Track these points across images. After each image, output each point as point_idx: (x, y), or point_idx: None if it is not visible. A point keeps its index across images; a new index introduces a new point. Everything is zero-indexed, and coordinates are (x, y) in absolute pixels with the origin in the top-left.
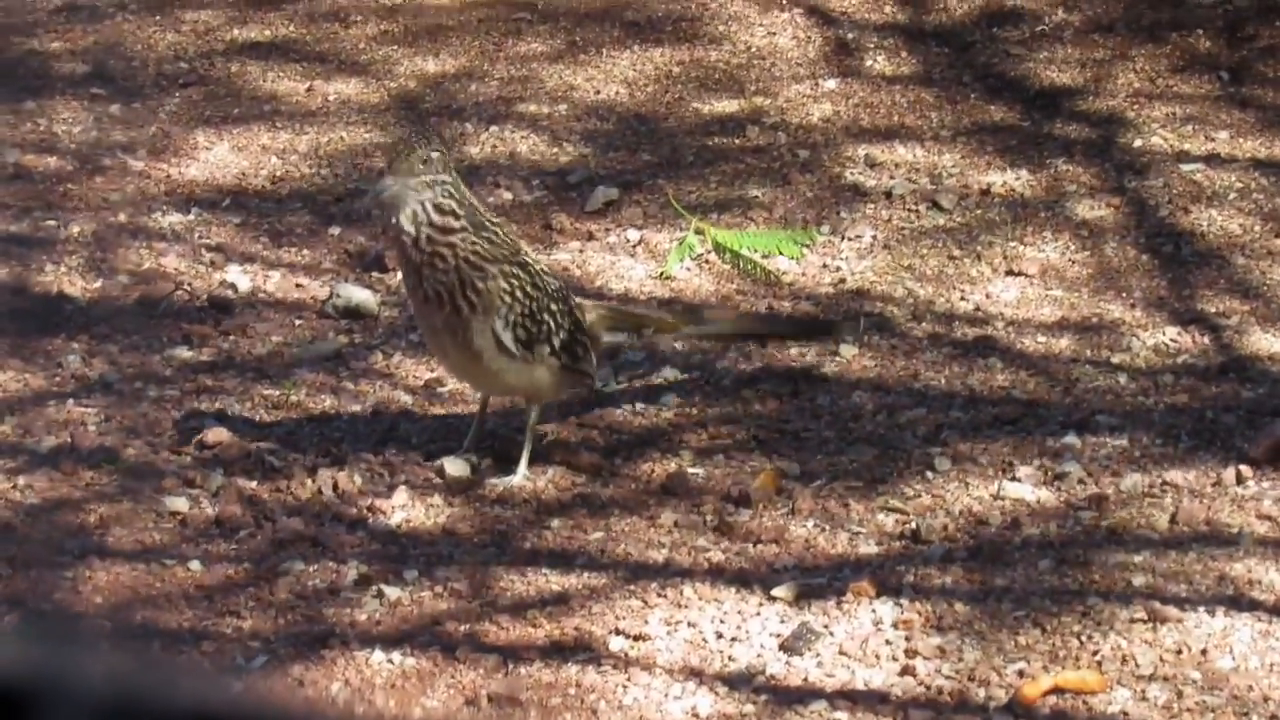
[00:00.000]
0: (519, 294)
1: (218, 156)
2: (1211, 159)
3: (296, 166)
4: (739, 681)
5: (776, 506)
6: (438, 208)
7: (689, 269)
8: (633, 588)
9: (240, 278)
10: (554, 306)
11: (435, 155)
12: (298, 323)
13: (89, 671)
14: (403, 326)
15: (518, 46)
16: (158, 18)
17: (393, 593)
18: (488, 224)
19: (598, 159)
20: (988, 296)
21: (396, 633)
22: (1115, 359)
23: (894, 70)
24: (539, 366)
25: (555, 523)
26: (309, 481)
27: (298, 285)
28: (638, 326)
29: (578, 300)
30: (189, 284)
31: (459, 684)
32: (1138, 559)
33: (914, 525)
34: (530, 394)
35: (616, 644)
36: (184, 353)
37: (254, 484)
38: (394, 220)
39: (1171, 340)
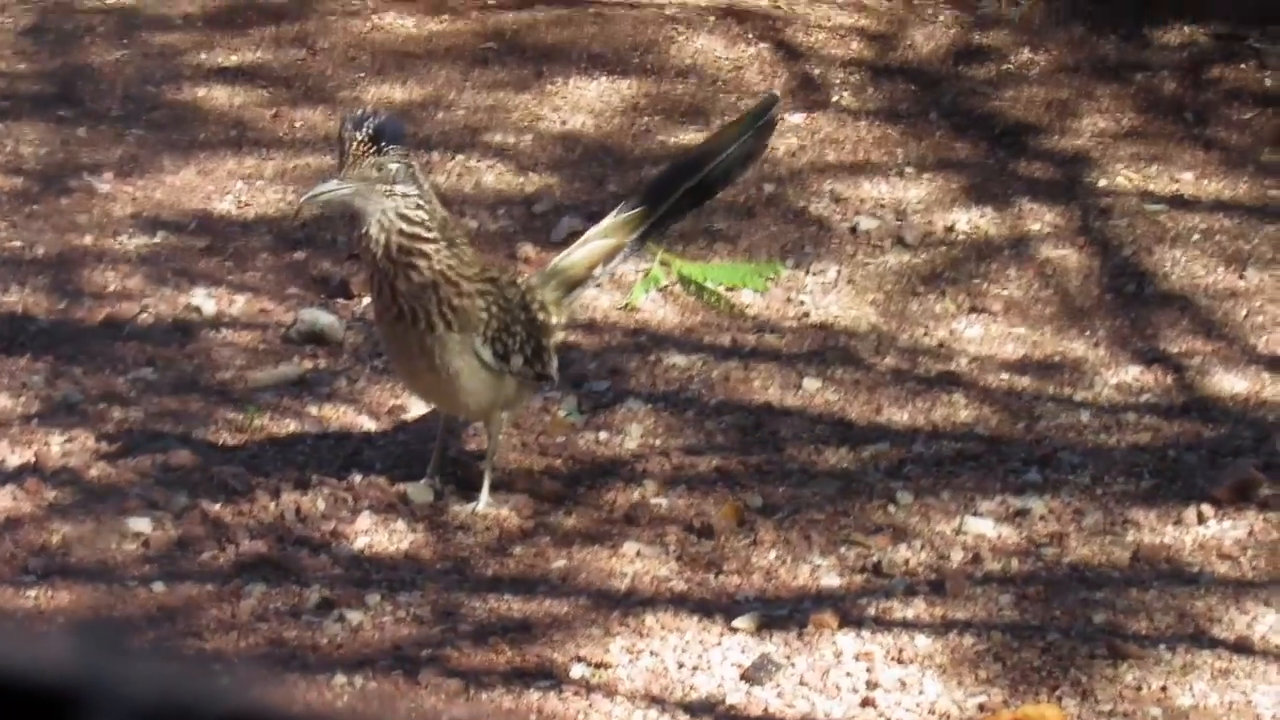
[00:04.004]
0: (494, 309)
1: (184, 180)
2: (1175, 200)
3: (262, 191)
4: (700, 710)
5: (739, 537)
6: (404, 217)
7: (654, 300)
8: (595, 616)
9: (205, 301)
10: (523, 316)
11: (394, 166)
12: (262, 347)
13: (131, 674)
14: (366, 352)
15: (484, 76)
16: (125, 41)
17: (355, 617)
18: (457, 240)
19: (564, 189)
20: (951, 333)
21: (358, 656)
22: (1078, 397)
23: (860, 106)
24: (509, 378)
25: (518, 550)
26: (272, 505)
27: (262, 310)
28: (590, 268)
29: (528, 284)
30: (153, 307)
31: (420, 708)
32: (1098, 596)
33: (876, 559)
34: (499, 409)
35: (578, 671)
36: (148, 375)
37: (217, 506)
38: (363, 229)
39: (1134, 379)
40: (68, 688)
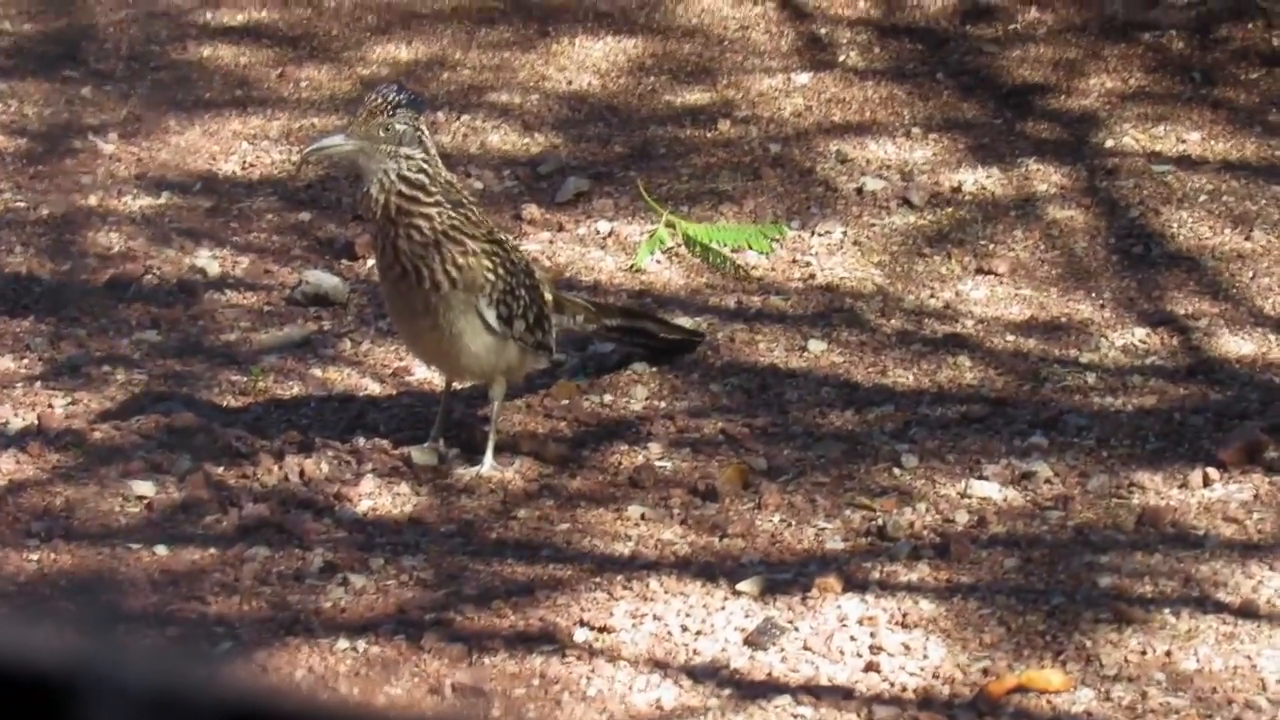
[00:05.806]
0: (500, 270)
1: (188, 141)
2: (1183, 160)
3: (267, 152)
4: (703, 675)
5: (743, 501)
6: (404, 179)
7: (659, 262)
8: (598, 579)
9: (209, 262)
10: (528, 281)
11: (401, 128)
12: (266, 308)
13: (130, 664)
14: (371, 314)
15: (490, 35)
16: (130, 1)
17: (358, 580)
18: (465, 201)
19: (569, 149)
20: (957, 294)
21: (361, 620)
22: (1084, 359)
23: (866, 66)
24: (511, 344)
25: (522, 513)
26: (275, 468)
27: (266, 271)
28: (574, 313)
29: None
30: (158, 268)
31: (424, 673)
32: (1104, 559)
33: (881, 522)
34: (501, 374)
35: (581, 635)
36: (152, 336)
37: (220, 469)
38: (364, 189)
39: (1140, 341)
40: (65, 677)
